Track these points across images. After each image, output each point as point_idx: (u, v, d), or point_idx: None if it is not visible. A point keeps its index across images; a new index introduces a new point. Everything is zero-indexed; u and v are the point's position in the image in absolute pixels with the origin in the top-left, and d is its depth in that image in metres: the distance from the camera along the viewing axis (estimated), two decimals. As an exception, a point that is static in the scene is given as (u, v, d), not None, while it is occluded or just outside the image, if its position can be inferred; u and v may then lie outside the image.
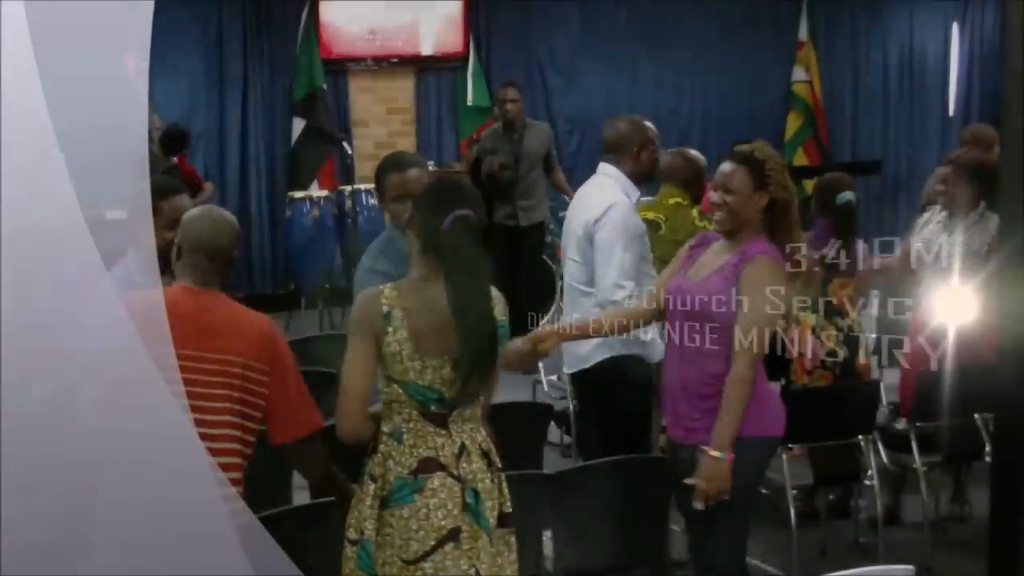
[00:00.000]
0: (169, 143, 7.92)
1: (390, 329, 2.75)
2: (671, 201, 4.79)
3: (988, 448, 4.39)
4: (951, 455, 4.62)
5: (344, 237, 9.01)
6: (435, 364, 2.77)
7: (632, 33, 10.89)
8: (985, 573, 3.44)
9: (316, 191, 9.32)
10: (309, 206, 8.94)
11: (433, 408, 2.79)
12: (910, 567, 2.70)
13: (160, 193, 3.29)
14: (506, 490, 2.91)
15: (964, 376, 4.17)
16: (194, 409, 2.65)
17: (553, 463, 4.84)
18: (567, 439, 5.55)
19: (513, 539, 2.91)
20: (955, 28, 11.37)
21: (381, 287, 2.81)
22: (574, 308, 4.12)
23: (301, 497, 3.94)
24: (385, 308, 2.76)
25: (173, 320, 2.60)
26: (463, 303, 2.75)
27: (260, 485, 3.43)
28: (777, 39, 11.26)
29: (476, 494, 2.79)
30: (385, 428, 2.83)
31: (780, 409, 3.44)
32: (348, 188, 9.04)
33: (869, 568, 2.81)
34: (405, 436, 2.79)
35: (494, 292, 2.89)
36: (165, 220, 3.25)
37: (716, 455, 3.20)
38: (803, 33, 11.25)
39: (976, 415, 4.43)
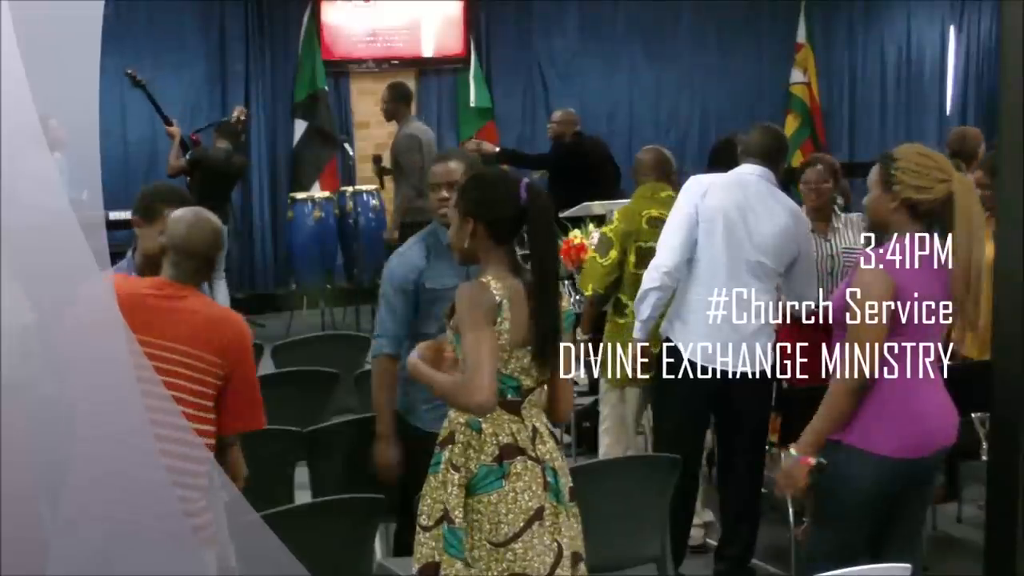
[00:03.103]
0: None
1: (499, 320, 2.79)
2: (664, 194, 4.81)
3: (984, 447, 4.40)
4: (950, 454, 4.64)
5: (345, 238, 9.03)
6: (519, 354, 2.84)
7: (631, 35, 10.93)
8: (981, 572, 3.48)
9: (318, 192, 9.35)
10: (311, 207, 8.96)
11: (509, 396, 2.86)
12: (907, 566, 2.73)
13: (163, 200, 3.43)
14: (567, 467, 3.01)
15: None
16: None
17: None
18: (567, 438, 5.57)
19: (577, 511, 3.00)
20: (952, 30, 11.41)
21: (483, 279, 2.83)
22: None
23: (302, 496, 3.97)
24: (498, 298, 2.79)
25: (139, 309, 2.89)
26: (549, 269, 2.84)
27: (262, 484, 3.47)
28: (775, 41, 11.30)
29: (555, 472, 2.90)
30: (461, 419, 2.88)
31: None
32: (349, 189, 9.08)
33: (867, 567, 2.83)
34: (483, 425, 2.85)
35: None
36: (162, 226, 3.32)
37: None
38: (801, 35, 11.30)
39: (973, 414, 4.46)
